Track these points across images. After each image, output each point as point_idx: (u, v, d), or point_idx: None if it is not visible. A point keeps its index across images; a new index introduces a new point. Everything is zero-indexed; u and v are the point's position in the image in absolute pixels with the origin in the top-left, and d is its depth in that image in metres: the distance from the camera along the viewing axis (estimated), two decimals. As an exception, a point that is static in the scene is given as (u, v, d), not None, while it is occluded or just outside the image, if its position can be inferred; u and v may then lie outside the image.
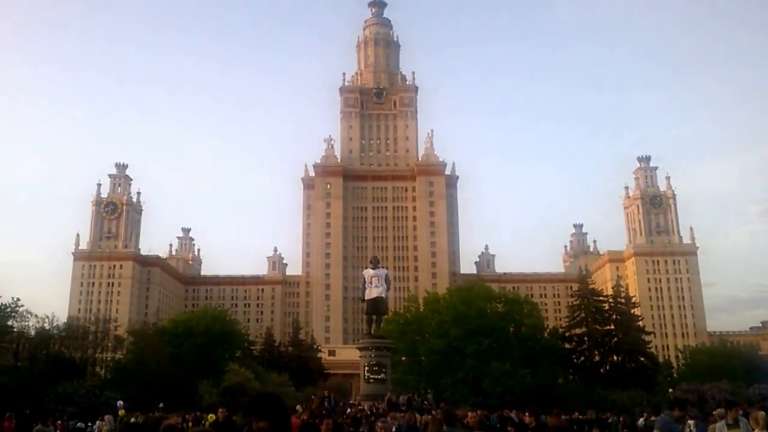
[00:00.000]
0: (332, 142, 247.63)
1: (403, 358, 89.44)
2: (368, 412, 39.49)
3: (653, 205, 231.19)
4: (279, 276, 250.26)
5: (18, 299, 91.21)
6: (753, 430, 17.05)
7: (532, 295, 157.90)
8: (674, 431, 14.31)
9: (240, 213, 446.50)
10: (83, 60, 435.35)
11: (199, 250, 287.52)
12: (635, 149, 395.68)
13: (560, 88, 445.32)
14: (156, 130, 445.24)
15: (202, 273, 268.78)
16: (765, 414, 19.65)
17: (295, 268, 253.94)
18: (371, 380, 46.67)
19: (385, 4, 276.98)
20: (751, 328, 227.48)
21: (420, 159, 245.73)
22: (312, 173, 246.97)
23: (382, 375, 47.68)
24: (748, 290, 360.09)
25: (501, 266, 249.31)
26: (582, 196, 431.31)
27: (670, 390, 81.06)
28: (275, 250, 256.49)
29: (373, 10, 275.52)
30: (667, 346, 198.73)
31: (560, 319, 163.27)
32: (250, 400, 7.47)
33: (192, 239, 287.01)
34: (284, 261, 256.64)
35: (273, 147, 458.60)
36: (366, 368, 47.70)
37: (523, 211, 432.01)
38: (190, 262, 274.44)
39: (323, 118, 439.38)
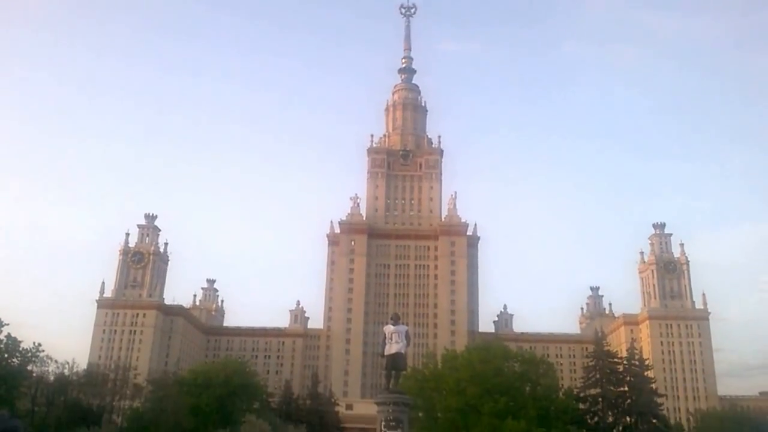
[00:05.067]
0: (358, 200, 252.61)
1: (420, 414, 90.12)
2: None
3: (667, 270, 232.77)
4: (300, 329, 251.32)
5: (39, 344, 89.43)
6: None
7: (548, 355, 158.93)
8: None
9: (264, 266, 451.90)
10: (116, 115, 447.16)
11: (222, 301, 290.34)
12: (651, 216, 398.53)
13: (580, 155, 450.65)
14: (186, 184, 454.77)
15: (225, 324, 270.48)
16: None
17: (316, 322, 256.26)
18: None
19: (414, 71, 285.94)
20: (760, 393, 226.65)
21: (443, 219, 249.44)
22: (337, 230, 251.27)
23: (399, 430, 47.50)
24: (758, 356, 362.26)
25: (519, 326, 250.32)
26: (599, 260, 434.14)
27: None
28: (298, 303, 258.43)
29: (403, 76, 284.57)
30: (679, 409, 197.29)
31: (575, 379, 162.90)
32: None
33: (216, 290, 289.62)
34: (306, 315, 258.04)
35: (300, 204, 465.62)
36: (383, 423, 47.02)
37: (542, 272, 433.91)
38: (213, 313, 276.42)
39: (350, 177, 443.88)
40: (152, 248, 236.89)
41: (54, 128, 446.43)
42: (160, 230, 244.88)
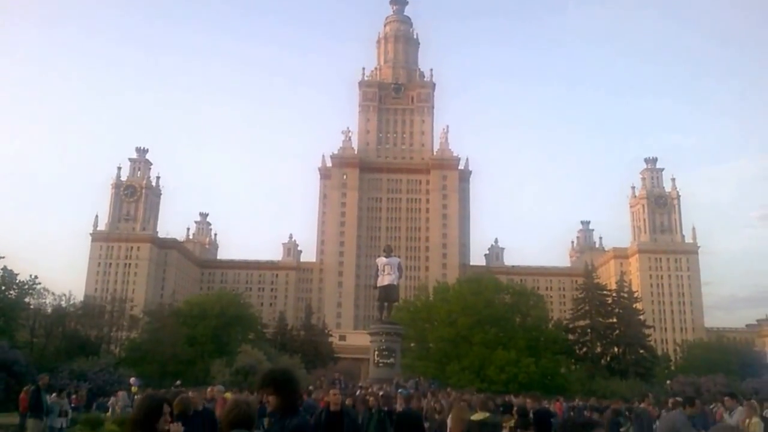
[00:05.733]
0: (350, 134, 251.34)
1: (412, 345, 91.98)
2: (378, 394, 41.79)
3: (658, 204, 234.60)
4: (293, 262, 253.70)
5: (36, 277, 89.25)
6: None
7: (538, 288, 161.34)
8: (689, 425, 13.78)
9: (257, 200, 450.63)
10: (107, 47, 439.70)
11: (215, 234, 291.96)
12: (643, 151, 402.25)
13: (572, 90, 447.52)
14: (178, 117, 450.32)
15: (218, 257, 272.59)
16: (758, 401, 22.76)
17: (309, 255, 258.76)
18: (381, 364, 46.98)
19: (406, 2, 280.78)
20: (747, 326, 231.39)
21: (435, 153, 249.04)
22: (329, 164, 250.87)
23: (392, 360, 47.24)
24: (745, 290, 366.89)
25: (509, 259, 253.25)
26: (590, 194, 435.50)
27: (668, 382, 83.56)
28: (290, 237, 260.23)
29: (394, 7, 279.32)
30: (666, 340, 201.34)
31: (564, 311, 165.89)
32: (263, 374, 7.89)
33: (209, 224, 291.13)
34: (299, 248, 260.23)
35: (292, 137, 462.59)
36: (376, 352, 47.84)
37: (533, 206, 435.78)
38: (207, 246, 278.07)
39: (342, 111, 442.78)
40: (144, 182, 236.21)
41: (44, 65, 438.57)
42: (151, 164, 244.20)
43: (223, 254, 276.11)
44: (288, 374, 7.58)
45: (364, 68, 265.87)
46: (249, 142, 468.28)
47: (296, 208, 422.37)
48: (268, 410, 7.34)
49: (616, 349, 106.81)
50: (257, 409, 7.43)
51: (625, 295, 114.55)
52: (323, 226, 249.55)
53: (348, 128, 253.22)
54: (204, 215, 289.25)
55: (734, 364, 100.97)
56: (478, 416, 16.16)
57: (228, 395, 36.56)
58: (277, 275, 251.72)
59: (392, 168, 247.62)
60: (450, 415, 18.93)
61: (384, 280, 46.87)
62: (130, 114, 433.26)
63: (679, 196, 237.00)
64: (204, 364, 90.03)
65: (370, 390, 45.46)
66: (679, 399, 20.09)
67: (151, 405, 7.45)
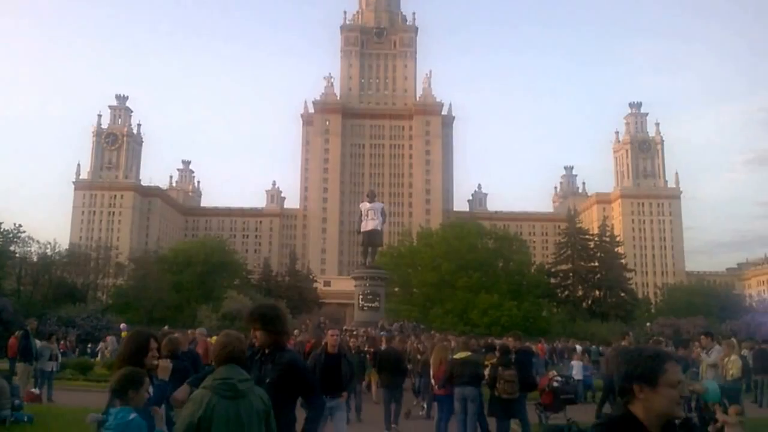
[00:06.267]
0: (332, 79, 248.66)
1: (396, 289, 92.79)
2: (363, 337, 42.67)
3: (641, 149, 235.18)
4: (277, 209, 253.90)
5: (20, 225, 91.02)
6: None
7: (521, 233, 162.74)
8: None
9: (240, 147, 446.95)
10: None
11: (198, 182, 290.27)
12: (628, 95, 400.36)
13: (558, 34, 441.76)
14: (157, 63, 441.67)
15: (202, 205, 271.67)
16: (737, 341, 23.73)
17: (293, 201, 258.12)
18: (365, 308, 47.36)
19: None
20: (727, 269, 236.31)
21: (418, 99, 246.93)
22: (311, 110, 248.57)
23: (376, 303, 47.60)
24: (726, 234, 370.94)
25: (493, 205, 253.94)
26: (574, 140, 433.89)
27: (648, 324, 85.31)
28: (274, 183, 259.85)
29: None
30: (647, 284, 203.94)
31: (547, 256, 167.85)
32: (251, 309, 7.56)
33: (192, 171, 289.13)
34: (282, 195, 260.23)
35: (274, 83, 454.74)
36: (360, 297, 48.26)
37: (517, 152, 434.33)
38: (190, 194, 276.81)
39: (324, 56, 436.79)
40: (125, 129, 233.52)
41: (22, 10, 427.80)
42: (132, 111, 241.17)
43: (206, 202, 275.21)
44: (276, 310, 7.38)
45: (345, 12, 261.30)
46: (231, 88, 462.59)
47: (279, 155, 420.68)
48: (255, 345, 7.05)
49: (597, 293, 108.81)
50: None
51: (607, 240, 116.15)
52: (306, 173, 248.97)
53: (330, 74, 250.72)
54: (186, 163, 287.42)
55: (714, 306, 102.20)
56: (460, 355, 16.92)
57: (214, 339, 37.35)
58: (261, 222, 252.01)
59: (375, 114, 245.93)
60: (432, 355, 19.74)
61: (368, 225, 46.97)
62: (111, 60, 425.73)
63: (662, 141, 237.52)
64: (190, 309, 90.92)
65: (355, 332, 46.43)
66: (660, 339, 20.85)
67: (139, 340, 7.33)
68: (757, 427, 18.47)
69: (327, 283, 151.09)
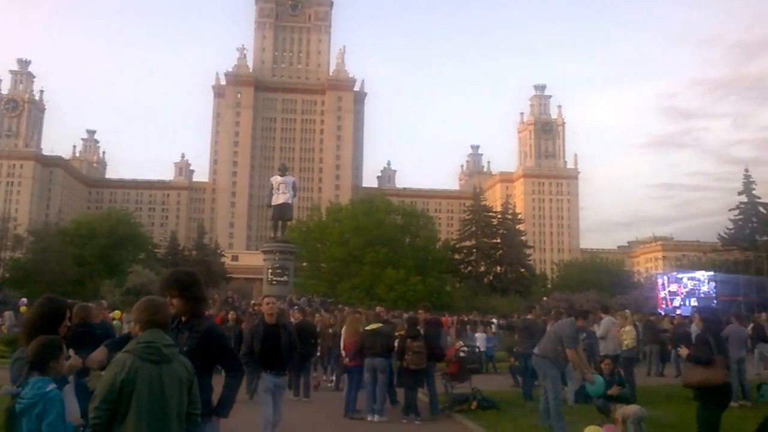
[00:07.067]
0: (245, 51, 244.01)
1: (305, 264, 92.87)
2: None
3: (544, 131, 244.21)
4: (185, 182, 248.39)
5: None
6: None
7: (428, 210, 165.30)
8: (576, 337, 14.21)
9: (148, 118, 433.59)
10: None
11: (104, 153, 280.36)
12: (534, 78, 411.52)
13: (469, 15, 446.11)
14: (63, 29, 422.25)
15: (107, 176, 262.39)
16: (630, 312, 25.13)
17: (202, 174, 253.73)
18: (274, 282, 46.04)
19: None
20: (618, 247, 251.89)
21: (331, 74, 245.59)
22: (223, 82, 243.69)
23: (285, 278, 47.43)
24: (618, 214, 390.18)
25: (401, 181, 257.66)
26: (482, 120, 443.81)
27: (544, 298, 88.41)
28: (183, 156, 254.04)
29: None
30: (545, 260, 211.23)
31: (452, 232, 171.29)
32: (166, 275, 7.16)
33: (97, 142, 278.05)
34: (191, 167, 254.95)
35: (185, 53, 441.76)
36: (270, 271, 47.87)
37: (426, 131, 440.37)
38: (95, 165, 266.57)
39: (237, 27, 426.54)
40: (26, 96, 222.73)
41: None
42: (34, 77, 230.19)
43: (112, 173, 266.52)
44: (193, 275, 6.98)
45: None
46: (140, 57, 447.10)
47: (189, 127, 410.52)
48: (172, 313, 6.64)
49: (498, 268, 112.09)
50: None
51: (509, 217, 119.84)
52: (216, 146, 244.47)
53: (243, 45, 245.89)
54: (91, 132, 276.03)
55: (606, 282, 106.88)
56: (372, 326, 17.42)
57: (117, 313, 36.50)
58: (168, 195, 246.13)
59: (287, 88, 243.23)
60: (344, 327, 20.14)
61: (278, 198, 46.57)
62: (14, 23, 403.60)
63: (564, 123, 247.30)
64: (93, 284, 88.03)
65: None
66: (561, 310, 21.82)
67: (53, 307, 6.86)
68: (648, 394, 19.77)
69: (235, 258, 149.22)
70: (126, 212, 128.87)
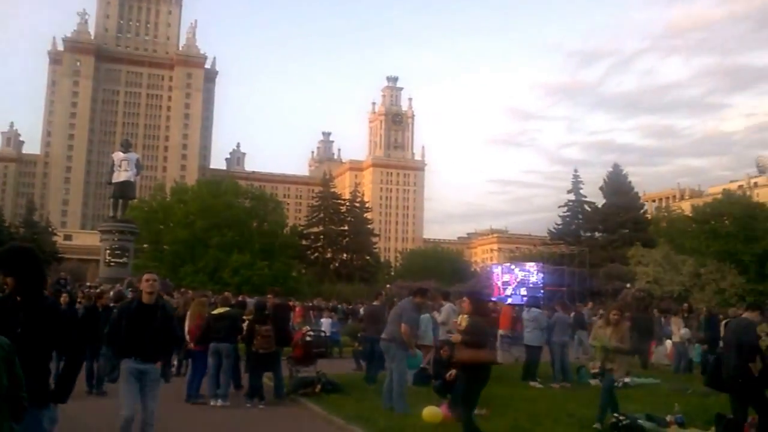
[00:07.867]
0: (87, 17, 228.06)
1: (146, 246, 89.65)
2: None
3: (394, 122, 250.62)
4: (14, 153, 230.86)
5: None
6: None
7: (277, 195, 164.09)
8: (415, 317, 15.05)
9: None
10: None
11: None
12: (388, 69, 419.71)
13: (330, 1, 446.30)
14: None
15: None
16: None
17: (33, 146, 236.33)
18: (112, 264, 45.05)
19: None
20: (458, 238, 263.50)
21: (180, 49, 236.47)
22: (61, 48, 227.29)
23: (124, 259, 45.37)
24: (459, 207, 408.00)
25: (251, 165, 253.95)
26: (335, 107, 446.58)
27: (388, 285, 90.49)
28: (12, 125, 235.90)
29: None
30: (390, 249, 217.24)
31: (300, 218, 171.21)
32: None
33: None
34: (21, 138, 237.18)
35: (15, 11, 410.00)
36: (108, 251, 45.78)
37: (278, 115, 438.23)
38: None
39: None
40: None
41: None
42: None
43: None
44: (28, 251, 6.41)
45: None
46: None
47: (18, 94, 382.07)
48: (6, 293, 6.20)
49: (344, 255, 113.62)
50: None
51: (357, 206, 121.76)
52: (50, 116, 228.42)
53: (84, 10, 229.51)
54: None
55: (446, 271, 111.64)
56: (218, 310, 17.14)
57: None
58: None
59: (133, 59, 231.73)
60: (189, 311, 19.63)
61: (120, 176, 44.78)
62: None
63: (414, 116, 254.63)
64: None
65: (100, 290, 44.30)
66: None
67: None
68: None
69: (68, 237, 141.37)
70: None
